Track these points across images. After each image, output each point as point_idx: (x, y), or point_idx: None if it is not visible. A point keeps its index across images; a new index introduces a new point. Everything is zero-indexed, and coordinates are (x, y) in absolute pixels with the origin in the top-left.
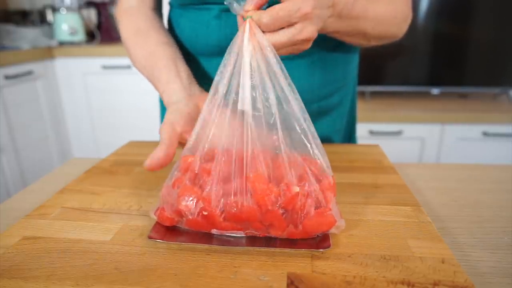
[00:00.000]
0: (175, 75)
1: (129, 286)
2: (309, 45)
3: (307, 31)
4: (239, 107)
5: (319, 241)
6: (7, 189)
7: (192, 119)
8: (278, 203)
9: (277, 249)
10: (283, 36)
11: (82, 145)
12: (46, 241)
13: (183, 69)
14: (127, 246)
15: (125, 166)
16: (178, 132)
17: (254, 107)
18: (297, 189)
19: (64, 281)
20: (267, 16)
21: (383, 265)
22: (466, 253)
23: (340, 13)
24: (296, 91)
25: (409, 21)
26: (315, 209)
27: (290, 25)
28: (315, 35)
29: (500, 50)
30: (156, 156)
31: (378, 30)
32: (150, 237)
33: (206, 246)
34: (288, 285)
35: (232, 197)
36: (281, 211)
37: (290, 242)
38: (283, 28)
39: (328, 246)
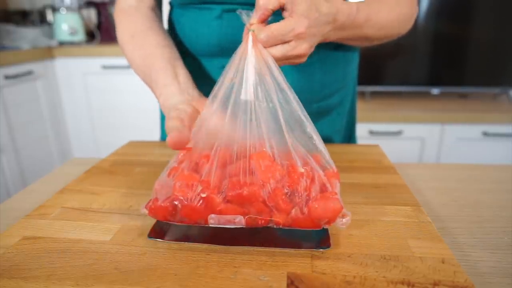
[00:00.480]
0: (172, 78)
1: (129, 286)
2: (303, 60)
3: (300, 49)
4: (242, 97)
5: (319, 241)
6: (7, 189)
7: (194, 121)
8: (283, 182)
9: (277, 249)
10: (278, 51)
11: (82, 145)
12: (46, 241)
13: (182, 72)
14: (127, 246)
15: (125, 166)
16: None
17: (256, 97)
18: (302, 169)
19: (64, 281)
20: (263, 33)
21: (383, 265)
22: (466, 253)
23: (343, 25)
24: (294, 94)
25: (414, 19)
26: (320, 194)
27: (285, 42)
28: (308, 51)
29: (500, 50)
30: (178, 131)
31: (381, 33)
32: (150, 236)
33: (206, 246)
34: (288, 285)
35: (234, 177)
36: (285, 190)
37: (291, 242)
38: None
39: (328, 246)
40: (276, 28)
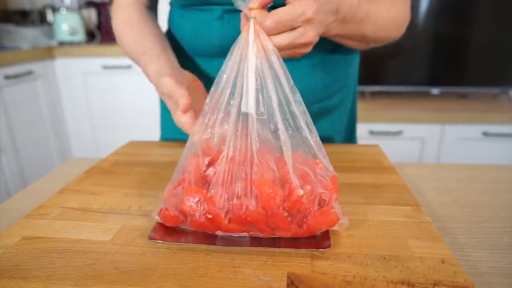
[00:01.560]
0: (166, 57)
1: (129, 286)
2: (309, 49)
3: (308, 36)
4: (243, 109)
5: (319, 241)
6: (7, 189)
7: (187, 83)
8: (283, 206)
9: (277, 249)
10: (284, 39)
11: (82, 145)
12: (46, 241)
13: (172, 56)
14: (127, 246)
15: (125, 166)
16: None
17: (257, 110)
18: (301, 192)
19: (64, 281)
20: (270, 19)
21: (383, 265)
22: (466, 253)
23: (344, 18)
24: (298, 93)
25: (407, 23)
26: (318, 208)
27: (293, 28)
28: (316, 39)
29: (500, 50)
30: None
31: (379, 33)
32: (150, 238)
33: (205, 246)
34: (288, 285)
35: (237, 200)
36: (285, 214)
37: (291, 242)
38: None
39: (328, 246)
40: (284, 12)
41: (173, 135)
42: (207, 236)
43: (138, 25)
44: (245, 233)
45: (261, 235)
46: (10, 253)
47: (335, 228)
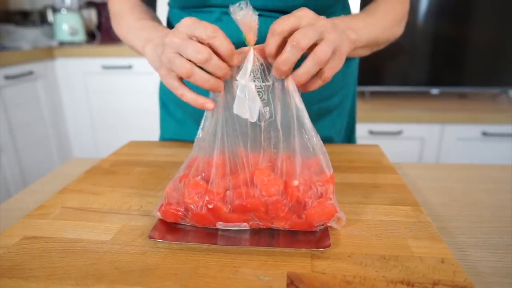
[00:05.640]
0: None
1: (129, 286)
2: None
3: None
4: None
5: (319, 241)
6: (7, 189)
7: None
8: (282, 195)
9: (277, 249)
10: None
11: (82, 145)
12: (46, 241)
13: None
14: (127, 246)
15: (125, 166)
16: None
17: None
18: (296, 182)
19: (65, 281)
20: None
21: (383, 265)
22: (466, 253)
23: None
24: (298, 93)
25: (406, 19)
26: (316, 200)
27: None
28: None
29: (500, 50)
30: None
31: (386, 35)
32: (150, 237)
33: (206, 246)
34: (288, 285)
35: (237, 188)
36: (284, 202)
37: (291, 241)
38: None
39: (328, 246)
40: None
41: (172, 135)
42: (207, 234)
43: (130, 15)
44: (245, 223)
45: (261, 224)
46: (11, 253)
47: (334, 225)
